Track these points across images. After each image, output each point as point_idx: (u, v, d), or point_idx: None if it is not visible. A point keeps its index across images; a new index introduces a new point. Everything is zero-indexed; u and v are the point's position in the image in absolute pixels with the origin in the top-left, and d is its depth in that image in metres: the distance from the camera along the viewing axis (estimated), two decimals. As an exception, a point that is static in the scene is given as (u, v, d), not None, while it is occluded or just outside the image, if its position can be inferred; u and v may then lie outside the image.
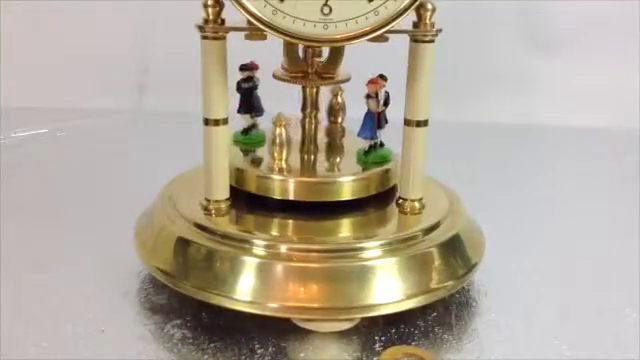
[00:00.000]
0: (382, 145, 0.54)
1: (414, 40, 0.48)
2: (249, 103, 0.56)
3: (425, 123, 0.50)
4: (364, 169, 0.52)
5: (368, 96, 0.51)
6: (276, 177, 0.50)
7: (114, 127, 0.96)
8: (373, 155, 0.53)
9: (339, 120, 0.59)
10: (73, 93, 1.01)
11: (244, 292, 0.45)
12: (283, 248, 0.46)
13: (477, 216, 0.56)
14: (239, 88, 0.56)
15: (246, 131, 0.57)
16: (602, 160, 0.89)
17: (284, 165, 0.51)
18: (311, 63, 0.53)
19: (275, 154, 0.51)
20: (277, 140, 0.51)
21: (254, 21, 0.44)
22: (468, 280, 0.51)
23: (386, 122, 0.53)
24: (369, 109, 0.52)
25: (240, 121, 0.57)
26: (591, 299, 0.53)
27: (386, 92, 0.52)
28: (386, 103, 0.52)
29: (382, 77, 0.51)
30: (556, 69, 1.03)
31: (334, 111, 0.58)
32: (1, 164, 0.78)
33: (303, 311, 0.45)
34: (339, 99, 0.58)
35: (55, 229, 0.62)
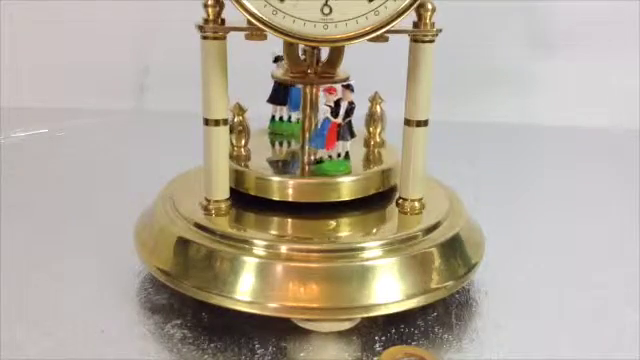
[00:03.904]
0: (347, 157, 0.51)
1: (414, 40, 0.48)
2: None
3: (425, 123, 0.50)
4: (362, 170, 0.52)
5: (325, 103, 0.50)
6: (275, 178, 0.50)
7: (114, 127, 0.96)
8: (327, 165, 0.51)
9: (377, 131, 0.58)
10: (73, 93, 1.01)
11: (244, 292, 0.45)
12: (283, 248, 0.46)
13: (477, 216, 0.56)
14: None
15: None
16: (602, 160, 0.89)
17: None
18: (311, 63, 0.53)
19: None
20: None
21: (254, 21, 0.44)
22: (468, 280, 0.51)
23: (352, 136, 0.51)
24: (326, 117, 0.50)
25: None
26: (591, 299, 0.53)
27: (350, 103, 0.49)
28: (347, 115, 0.50)
29: (347, 87, 0.49)
30: (556, 69, 1.04)
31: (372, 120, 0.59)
32: (1, 164, 0.78)
33: (303, 311, 0.45)
34: (378, 108, 0.58)
35: (55, 229, 0.62)
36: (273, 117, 0.59)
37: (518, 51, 1.04)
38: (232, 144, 0.53)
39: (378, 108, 0.58)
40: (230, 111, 0.52)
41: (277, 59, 0.56)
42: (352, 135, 0.51)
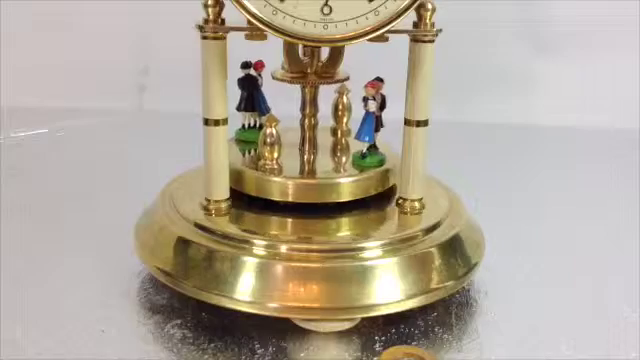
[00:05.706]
0: (376, 148, 0.53)
1: (414, 40, 0.48)
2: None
3: (425, 123, 0.50)
4: (361, 171, 0.52)
5: (366, 99, 0.51)
6: (275, 179, 0.50)
7: (114, 127, 0.96)
8: (369, 159, 0.53)
9: (344, 120, 0.59)
10: (73, 93, 1.01)
11: (244, 292, 0.45)
12: (283, 248, 0.46)
13: (477, 216, 0.56)
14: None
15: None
16: (602, 160, 0.89)
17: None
18: (311, 63, 0.53)
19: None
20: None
21: (254, 21, 0.44)
22: (468, 280, 0.51)
23: (382, 126, 0.52)
24: (368, 112, 0.51)
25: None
26: (591, 299, 0.53)
27: (382, 95, 0.51)
28: (382, 106, 0.51)
29: (379, 80, 0.51)
30: (556, 69, 1.04)
31: (338, 111, 0.59)
32: (1, 164, 0.78)
33: (303, 311, 0.45)
34: (344, 99, 0.58)
35: (55, 229, 0.62)
36: (243, 125, 0.59)
37: (518, 51, 1.04)
38: (264, 157, 0.51)
39: (345, 99, 0.58)
40: (266, 124, 0.51)
41: (246, 65, 0.56)
42: (382, 125, 0.53)
